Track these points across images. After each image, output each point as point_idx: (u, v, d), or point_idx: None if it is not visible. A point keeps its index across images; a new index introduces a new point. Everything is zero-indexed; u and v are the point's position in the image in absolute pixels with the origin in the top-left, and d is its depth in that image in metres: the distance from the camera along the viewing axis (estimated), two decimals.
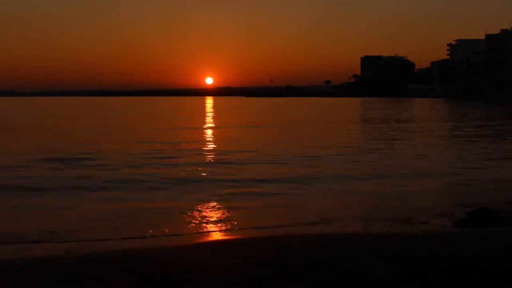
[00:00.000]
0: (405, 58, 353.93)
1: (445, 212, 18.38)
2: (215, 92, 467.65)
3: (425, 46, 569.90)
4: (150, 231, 16.07)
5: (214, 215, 18.49)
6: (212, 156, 34.93)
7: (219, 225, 17.16)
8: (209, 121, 75.76)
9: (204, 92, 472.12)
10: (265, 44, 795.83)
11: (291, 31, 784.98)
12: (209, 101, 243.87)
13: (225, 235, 15.77)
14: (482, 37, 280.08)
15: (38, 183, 24.23)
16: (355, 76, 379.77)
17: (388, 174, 26.69)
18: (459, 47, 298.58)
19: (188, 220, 17.61)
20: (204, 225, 17.04)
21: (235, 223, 17.21)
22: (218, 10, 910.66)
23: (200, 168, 29.09)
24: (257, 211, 18.86)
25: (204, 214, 18.53)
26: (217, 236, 15.74)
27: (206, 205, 19.99)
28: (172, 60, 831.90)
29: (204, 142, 45.34)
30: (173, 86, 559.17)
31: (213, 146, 42.05)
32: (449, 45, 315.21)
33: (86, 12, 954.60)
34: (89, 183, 24.36)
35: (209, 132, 56.55)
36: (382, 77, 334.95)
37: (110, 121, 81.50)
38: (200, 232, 16.05)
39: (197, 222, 17.38)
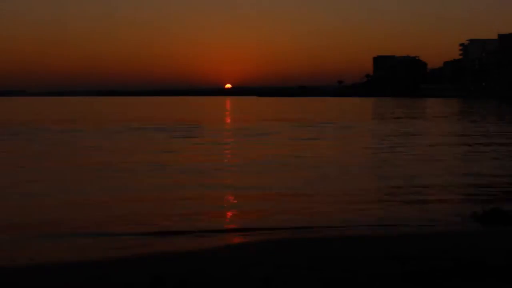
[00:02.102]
0: (417, 58, 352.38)
1: (457, 211, 18.36)
2: (229, 91, 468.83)
3: (438, 46, 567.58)
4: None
5: (225, 214, 18.53)
6: None
7: (231, 225, 17.19)
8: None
9: (218, 91, 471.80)
10: (277, 44, 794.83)
11: (304, 30, 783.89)
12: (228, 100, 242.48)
13: (236, 235, 15.79)
14: (495, 37, 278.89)
15: None
16: (367, 76, 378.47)
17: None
18: (472, 47, 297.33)
19: (199, 219, 17.64)
20: (216, 224, 17.06)
21: (247, 223, 17.23)
22: (230, 9, 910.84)
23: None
24: (269, 212, 18.86)
25: (215, 213, 18.55)
26: (228, 236, 15.76)
27: (218, 204, 20.03)
28: (180, 60, 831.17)
29: None
30: (184, 86, 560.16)
31: None
32: (461, 45, 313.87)
33: (97, 10, 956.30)
34: None
35: None
36: (395, 77, 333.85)
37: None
38: (211, 232, 16.06)
39: (208, 221, 17.40)
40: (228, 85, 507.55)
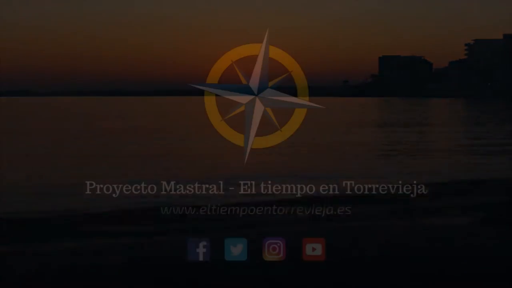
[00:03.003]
0: (422, 57, 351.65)
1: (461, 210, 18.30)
2: None
3: (443, 46, 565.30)
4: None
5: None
6: None
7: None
8: None
9: None
10: (281, 44, 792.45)
11: (307, 30, 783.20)
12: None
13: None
14: (500, 37, 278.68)
15: None
16: (372, 75, 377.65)
17: None
18: (477, 47, 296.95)
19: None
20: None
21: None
22: (236, 9, 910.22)
23: None
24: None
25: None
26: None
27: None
28: (183, 59, 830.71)
29: None
30: (186, 86, 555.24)
31: None
32: (466, 44, 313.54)
33: (101, 9, 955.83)
34: None
35: None
36: (400, 77, 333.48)
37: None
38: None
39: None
40: None
